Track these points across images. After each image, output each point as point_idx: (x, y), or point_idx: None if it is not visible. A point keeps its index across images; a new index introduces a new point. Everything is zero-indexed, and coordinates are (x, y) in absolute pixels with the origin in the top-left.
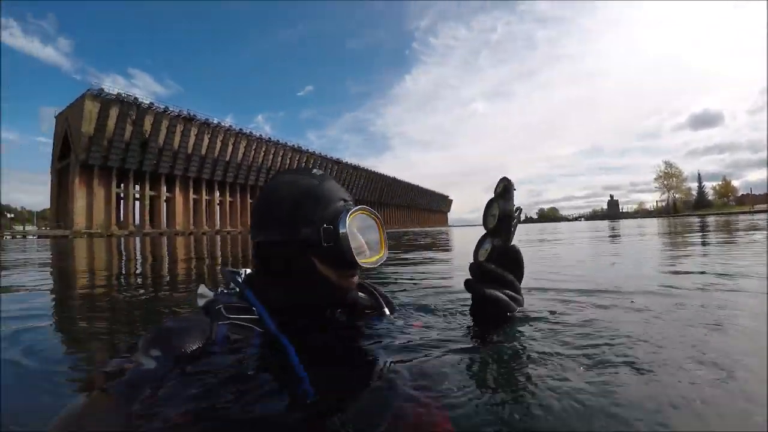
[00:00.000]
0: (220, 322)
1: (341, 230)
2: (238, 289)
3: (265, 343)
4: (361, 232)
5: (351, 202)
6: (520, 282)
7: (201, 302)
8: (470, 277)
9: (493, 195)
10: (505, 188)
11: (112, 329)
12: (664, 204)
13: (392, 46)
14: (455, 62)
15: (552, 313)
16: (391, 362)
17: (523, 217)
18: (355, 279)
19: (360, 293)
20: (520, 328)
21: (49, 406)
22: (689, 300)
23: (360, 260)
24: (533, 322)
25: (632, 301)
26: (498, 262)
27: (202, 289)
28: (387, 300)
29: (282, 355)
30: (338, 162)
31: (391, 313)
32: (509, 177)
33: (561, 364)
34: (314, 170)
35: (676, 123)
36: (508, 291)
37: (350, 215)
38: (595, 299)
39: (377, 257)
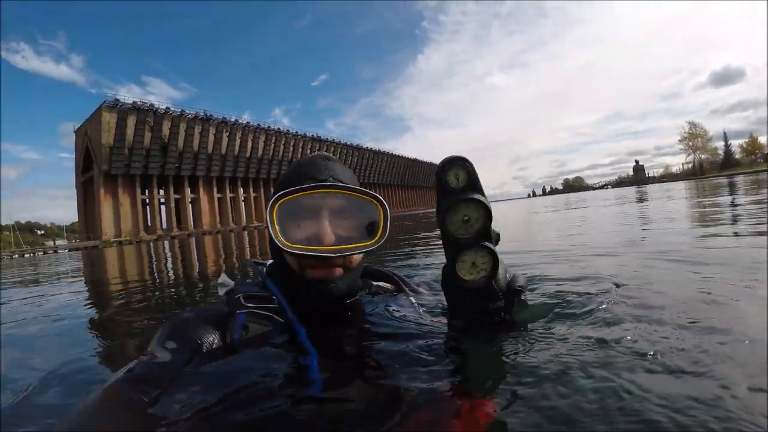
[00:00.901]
0: (238, 311)
1: (267, 215)
2: (260, 279)
3: (284, 334)
4: (315, 216)
5: (328, 182)
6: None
7: (222, 291)
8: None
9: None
10: (472, 176)
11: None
12: (690, 166)
13: (401, 27)
14: (467, 37)
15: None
16: (401, 356)
17: (548, 189)
18: (328, 270)
19: (382, 283)
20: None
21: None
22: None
23: (292, 247)
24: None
25: None
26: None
27: (223, 278)
28: (413, 290)
29: (299, 348)
30: (358, 148)
31: (418, 302)
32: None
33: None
34: (320, 153)
35: (696, 82)
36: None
37: (283, 198)
38: None
39: (328, 248)
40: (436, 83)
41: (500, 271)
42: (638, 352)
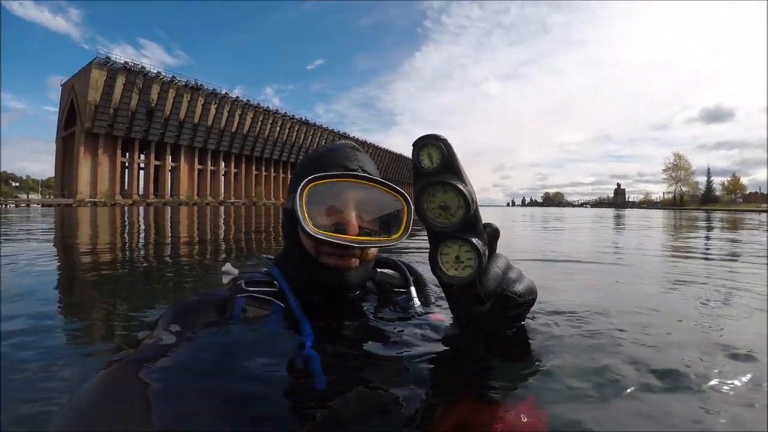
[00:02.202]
0: (238, 295)
1: (297, 196)
2: (265, 268)
3: (283, 318)
4: (340, 204)
5: (359, 173)
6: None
7: (226, 280)
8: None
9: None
10: (450, 156)
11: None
12: (670, 196)
13: (404, 24)
14: (468, 42)
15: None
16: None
17: (527, 200)
18: (345, 260)
19: (388, 270)
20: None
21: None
22: None
23: (318, 232)
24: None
25: None
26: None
27: (227, 267)
28: (419, 281)
29: (297, 333)
30: (344, 136)
31: (422, 295)
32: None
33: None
34: (348, 142)
35: (687, 116)
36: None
37: (315, 182)
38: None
39: (352, 237)
40: (431, 83)
41: (496, 270)
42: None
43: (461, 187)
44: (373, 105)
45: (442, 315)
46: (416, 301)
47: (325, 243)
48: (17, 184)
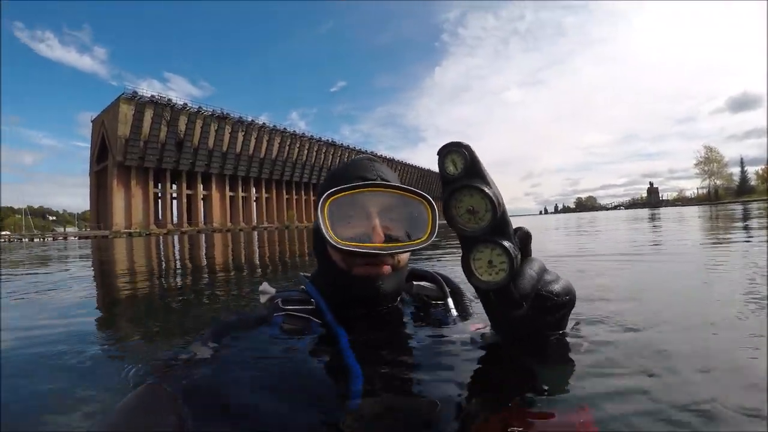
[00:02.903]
0: (276, 314)
1: (319, 211)
2: (302, 286)
3: (322, 335)
4: (363, 215)
5: (377, 182)
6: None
7: (263, 299)
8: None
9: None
10: (473, 160)
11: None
12: (705, 191)
13: (421, 40)
14: (485, 52)
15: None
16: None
17: (560, 206)
18: (376, 268)
19: (424, 283)
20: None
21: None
22: None
23: (343, 243)
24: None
25: None
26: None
27: (264, 286)
28: (456, 292)
29: (337, 349)
30: (371, 154)
31: (459, 306)
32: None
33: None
34: (365, 155)
35: (714, 107)
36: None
37: (335, 195)
38: None
39: (379, 245)
40: (453, 96)
41: (530, 272)
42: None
43: (486, 189)
44: (398, 122)
45: (481, 324)
46: (454, 312)
47: (353, 254)
48: (54, 218)
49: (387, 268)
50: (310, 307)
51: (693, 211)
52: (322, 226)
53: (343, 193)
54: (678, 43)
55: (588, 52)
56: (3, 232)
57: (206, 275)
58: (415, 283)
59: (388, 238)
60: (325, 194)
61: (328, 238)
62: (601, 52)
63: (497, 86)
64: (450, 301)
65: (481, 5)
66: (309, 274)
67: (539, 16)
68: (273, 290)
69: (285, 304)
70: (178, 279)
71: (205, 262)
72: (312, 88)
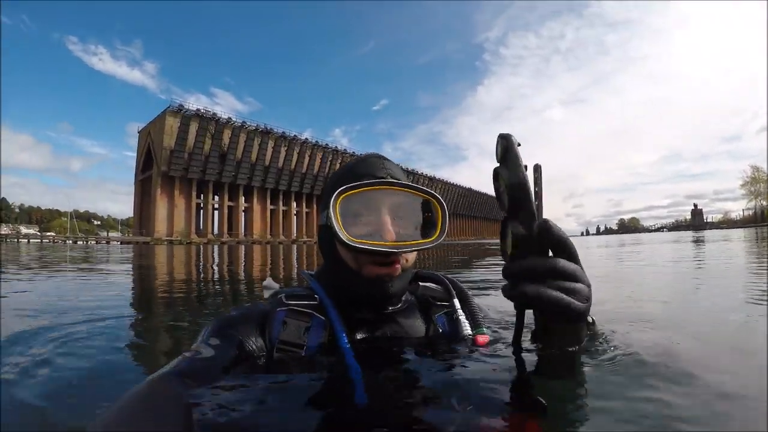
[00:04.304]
0: (278, 309)
1: (330, 208)
2: (306, 282)
3: (322, 331)
4: (374, 212)
5: (387, 180)
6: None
7: (267, 294)
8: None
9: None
10: (504, 150)
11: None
12: (751, 213)
13: (463, 59)
14: (527, 71)
15: None
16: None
17: (602, 228)
18: (387, 268)
19: (430, 284)
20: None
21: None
22: None
23: (355, 241)
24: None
25: None
26: (533, 251)
27: (268, 281)
28: (462, 295)
29: (337, 347)
30: (413, 173)
31: (466, 309)
32: (508, 133)
33: None
34: (374, 153)
35: (760, 124)
36: (566, 283)
37: (346, 192)
38: None
39: (390, 243)
40: (496, 115)
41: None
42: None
43: (506, 174)
44: (439, 140)
45: (487, 332)
46: (460, 313)
47: (364, 252)
48: (99, 222)
49: (398, 268)
50: (313, 303)
51: (738, 233)
52: (334, 224)
53: (354, 191)
54: (723, 58)
55: (631, 70)
56: (48, 233)
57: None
58: (420, 284)
59: (399, 237)
60: (337, 191)
61: (339, 235)
62: (644, 70)
63: (540, 105)
64: (456, 301)
65: (524, 23)
66: (312, 272)
67: (580, 34)
68: (277, 285)
69: (288, 299)
70: (216, 286)
71: (243, 275)
72: (355, 106)
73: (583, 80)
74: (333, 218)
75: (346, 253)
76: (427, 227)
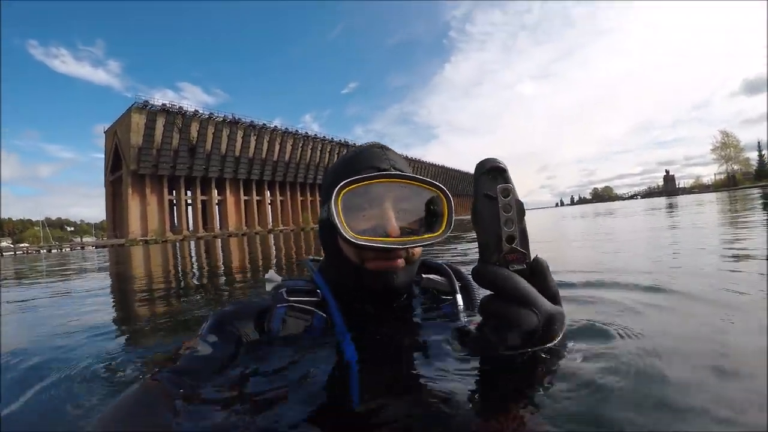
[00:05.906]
0: (278, 305)
1: (332, 204)
2: (309, 274)
3: (323, 329)
4: (378, 205)
5: (391, 172)
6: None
7: (269, 287)
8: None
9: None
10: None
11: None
12: (722, 177)
13: (430, 38)
14: (495, 47)
15: None
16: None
17: (576, 198)
18: (390, 262)
19: (434, 276)
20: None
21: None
22: None
23: (358, 238)
24: None
25: None
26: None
27: (271, 273)
28: (466, 287)
29: (337, 344)
30: None
31: (469, 302)
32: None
33: None
34: (376, 142)
35: (728, 91)
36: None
37: (348, 187)
38: None
39: (394, 239)
40: (465, 91)
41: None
42: None
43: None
44: (411, 120)
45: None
46: (462, 308)
47: (368, 248)
48: (72, 228)
49: (401, 262)
50: (315, 299)
51: (711, 197)
52: (336, 220)
53: (356, 185)
54: (688, 27)
55: (598, 42)
56: (22, 244)
57: (223, 277)
58: (424, 276)
59: (404, 231)
60: (339, 186)
61: (342, 232)
62: (612, 42)
63: (510, 80)
64: (459, 297)
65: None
66: (319, 258)
67: (546, 8)
68: (279, 278)
69: (290, 295)
70: (195, 280)
71: (222, 268)
72: (324, 91)
73: (552, 54)
74: (335, 214)
75: (349, 249)
76: (433, 220)
